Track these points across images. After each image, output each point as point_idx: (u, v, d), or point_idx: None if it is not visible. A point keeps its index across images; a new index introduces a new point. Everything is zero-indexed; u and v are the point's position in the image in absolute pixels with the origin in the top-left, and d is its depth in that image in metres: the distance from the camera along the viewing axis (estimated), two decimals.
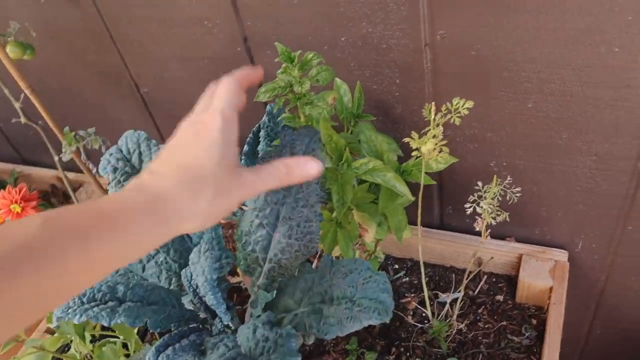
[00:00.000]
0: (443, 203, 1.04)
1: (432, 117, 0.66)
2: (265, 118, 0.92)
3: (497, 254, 1.02)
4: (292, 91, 0.77)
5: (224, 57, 1.00)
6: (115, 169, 0.71)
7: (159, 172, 0.52)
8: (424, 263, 1.10)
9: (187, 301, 0.76)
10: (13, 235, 0.41)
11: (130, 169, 0.71)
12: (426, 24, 0.79)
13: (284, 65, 0.74)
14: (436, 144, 0.67)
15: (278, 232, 0.71)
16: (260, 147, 0.94)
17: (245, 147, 0.97)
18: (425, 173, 0.77)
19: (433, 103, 0.65)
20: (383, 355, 0.99)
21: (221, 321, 0.74)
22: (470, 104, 0.63)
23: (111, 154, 0.75)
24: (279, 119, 0.90)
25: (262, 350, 0.62)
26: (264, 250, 0.73)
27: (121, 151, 0.72)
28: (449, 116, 0.64)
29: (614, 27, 0.70)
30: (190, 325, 0.74)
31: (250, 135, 0.97)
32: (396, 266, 1.12)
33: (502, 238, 1.03)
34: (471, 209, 0.71)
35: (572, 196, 0.92)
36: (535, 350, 0.94)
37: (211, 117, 0.57)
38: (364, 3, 0.80)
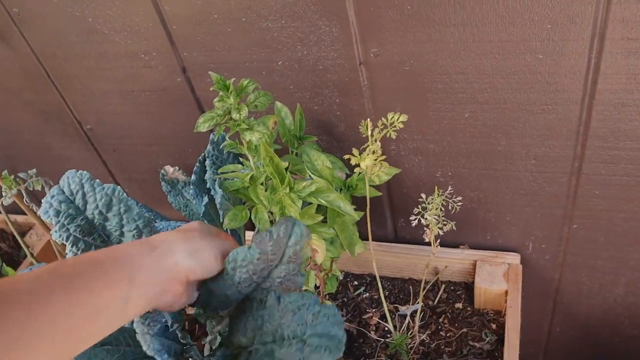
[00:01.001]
0: (395, 216, 1.05)
1: (369, 133, 0.67)
2: (209, 147, 0.92)
3: (452, 262, 1.04)
4: (231, 118, 0.76)
5: (165, 87, 0.99)
6: (58, 212, 0.69)
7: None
8: (383, 277, 1.11)
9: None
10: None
11: (75, 210, 0.69)
12: (358, 44, 0.80)
13: (220, 93, 0.74)
14: (376, 159, 0.68)
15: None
16: (207, 176, 0.94)
17: (193, 177, 0.97)
18: (371, 186, 0.78)
19: (369, 120, 0.65)
20: None
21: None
22: (404, 117, 0.64)
23: (53, 196, 0.73)
24: (221, 146, 0.90)
25: None
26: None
27: (63, 192, 0.71)
28: (385, 131, 0.65)
29: (536, 35, 0.72)
30: None
31: (197, 164, 0.96)
32: (355, 282, 1.12)
33: (456, 246, 1.04)
34: (416, 221, 0.72)
35: (518, 199, 0.94)
36: (496, 354, 0.95)
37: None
38: (296, 27, 0.81)
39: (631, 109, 0.77)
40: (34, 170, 0.95)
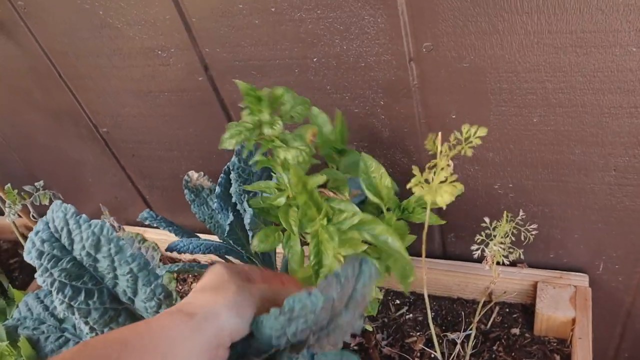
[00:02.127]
0: (444, 230, 0.93)
1: (439, 150, 0.54)
2: (234, 159, 0.81)
3: (509, 282, 0.91)
4: (261, 133, 0.64)
5: (185, 88, 0.89)
6: (40, 254, 0.57)
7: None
8: (429, 296, 0.99)
9: None
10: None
11: (60, 251, 0.58)
12: (409, 36, 0.68)
13: (250, 105, 0.62)
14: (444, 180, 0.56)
15: None
16: (232, 190, 0.83)
17: (217, 189, 0.86)
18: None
19: (440, 133, 0.53)
20: None
21: None
22: (484, 131, 0.52)
23: (37, 232, 0.61)
24: (249, 162, 0.79)
25: None
26: None
27: (49, 227, 0.59)
28: (460, 147, 0.53)
29: (630, 24, 0.59)
30: None
31: (222, 175, 0.85)
32: (397, 301, 1.01)
33: (514, 265, 0.91)
34: (479, 251, 0.60)
35: (590, 215, 0.81)
36: None
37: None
38: (334, 18, 0.69)
39: None
40: (41, 183, 0.85)
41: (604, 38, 0.61)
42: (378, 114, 0.78)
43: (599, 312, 0.97)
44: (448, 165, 0.50)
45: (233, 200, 0.82)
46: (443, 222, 0.62)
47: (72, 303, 0.58)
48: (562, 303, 0.86)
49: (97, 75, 0.94)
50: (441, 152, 0.50)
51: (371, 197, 0.65)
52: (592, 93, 0.67)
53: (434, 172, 0.50)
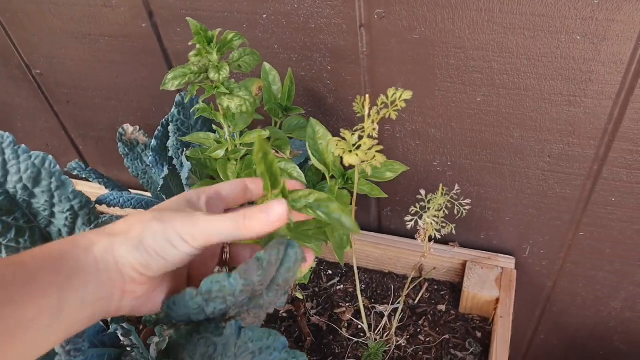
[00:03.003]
0: (381, 204, 0.93)
1: (366, 112, 0.54)
2: (174, 110, 0.78)
3: (439, 260, 0.93)
4: (207, 78, 0.62)
5: (127, 34, 0.84)
6: None
7: None
8: (360, 269, 1.00)
9: None
10: None
11: None
12: (361, 1, 0.67)
13: (198, 46, 0.60)
14: (369, 148, 0.55)
15: None
16: (169, 143, 0.80)
17: (153, 142, 0.83)
18: (371, 181, 0.66)
19: (367, 96, 0.52)
20: None
21: None
22: (408, 94, 0.51)
23: None
24: (191, 110, 0.76)
25: None
26: None
27: None
28: (384, 111, 0.52)
29: (577, 12, 0.60)
30: None
31: (159, 128, 0.82)
32: (329, 271, 1.01)
33: (445, 243, 0.93)
34: (412, 222, 0.60)
35: (522, 199, 0.83)
36: None
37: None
38: None
39: None
40: None
41: (552, 23, 0.62)
42: (324, 79, 0.77)
43: (522, 294, 1.01)
44: (374, 129, 0.49)
45: (170, 154, 0.79)
46: (385, 195, 0.61)
47: (0, 240, 0.55)
48: (488, 283, 0.88)
49: (33, 11, 0.88)
50: (369, 115, 0.50)
51: (316, 163, 0.64)
52: (535, 77, 0.67)
53: (358, 135, 0.50)
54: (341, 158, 0.54)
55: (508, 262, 0.91)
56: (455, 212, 0.61)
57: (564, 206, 0.81)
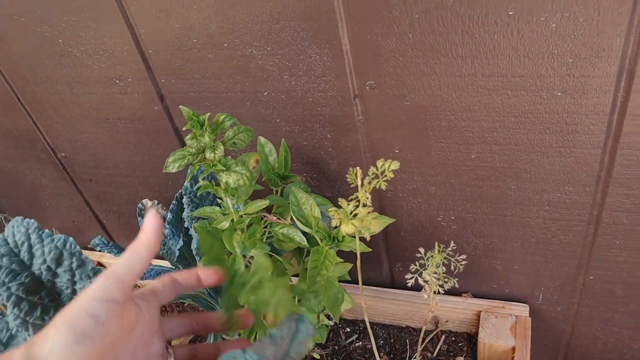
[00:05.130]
0: (391, 260, 0.96)
1: (359, 182, 0.58)
2: (186, 183, 0.83)
3: (454, 312, 0.94)
4: (205, 158, 0.67)
5: (142, 116, 0.91)
6: None
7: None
8: (377, 324, 1.02)
9: None
10: None
11: (19, 265, 0.59)
12: (353, 74, 0.72)
13: (193, 130, 0.65)
14: (368, 212, 0.59)
15: None
16: (184, 214, 0.85)
17: (169, 215, 0.88)
18: (362, 239, 0.69)
19: (358, 168, 0.56)
20: None
21: None
22: (396, 165, 0.55)
23: None
24: (194, 188, 0.81)
25: None
26: None
27: (7, 243, 0.61)
28: (376, 182, 0.56)
29: (554, 70, 0.63)
30: None
31: (174, 201, 0.87)
32: (348, 329, 1.03)
33: (459, 294, 0.95)
34: (412, 280, 0.63)
35: (528, 247, 0.84)
36: None
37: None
38: (283, 55, 0.73)
39: None
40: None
41: (532, 82, 0.66)
42: (325, 147, 0.81)
43: (542, 342, 1.01)
44: (367, 197, 0.53)
45: (185, 225, 0.84)
46: (369, 249, 0.65)
47: (27, 318, 0.59)
48: (503, 332, 0.89)
49: (56, 101, 0.95)
50: (362, 185, 0.54)
51: (301, 226, 0.68)
52: (524, 132, 0.71)
53: (354, 205, 0.53)
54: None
55: (522, 310, 0.91)
56: (453, 267, 0.64)
57: (569, 252, 0.83)
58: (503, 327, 0.90)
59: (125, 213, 1.12)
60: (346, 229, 0.56)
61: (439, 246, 0.62)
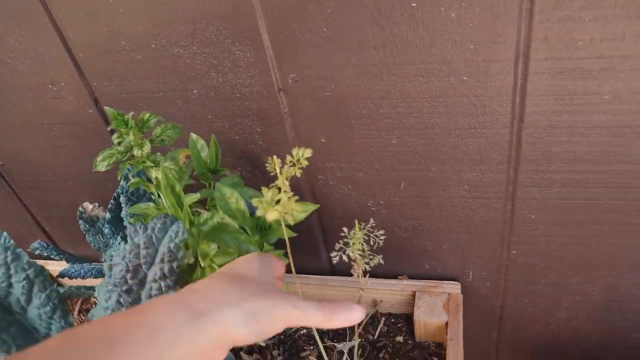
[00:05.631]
0: (328, 248, 1.00)
1: (278, 171, 0.61)
2: (122, 182, 0.85)
3: (391, 294, 0.99)
4: (133, 156, 0.70)
5: (77, 120, 0.92)
6: None
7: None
8: None
9: None
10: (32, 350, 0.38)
11: None
12: (275, 69, 0.75)
13: (119, 129, 0.68)
14: (289, 197, 0.63)
15: None
16: (123, 214, 0.87)
17: (108, 215, 0.90)
18: (288, 227, 0.72)
19: (275, 157, 0.60)
20: None
21: None
22: (308, 152, 0.59)
23: None
24: (127, 184, 0.83)
25: None
26: None
27: None
28: (291, 170, 0.59)
29: (458, 56, 0.69)
30: None
31: (112, 201, 0.89)
32: None
33: (395, 277, 0.99)
34: (337, 257, 0.67)
35: (454, 227, 0.90)
36: None
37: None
38: (209, 53, 0.76)
39: (561, 130, 0.74)
40: None
41: (440, 68, 0.71)
42: (256, 140, 0.85)
43: (476, 318, 1.06)
44: (285, 184, 0.57)
45: (125, 223, 0.86)
46: (294, 234, 0.69)
47: None
48: (437, 309, 0.94)
49: None
50: (280, 173, 0.57)
51: (229, 220, 0.71)
52: (438, 116, 0.76)
53: (274, 192, 0.57)
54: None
55: (454, 288, 0.97)
56: (372, 242, 0.68)
57: (491, 228, 0.88)
58: (436, 304, 0.95)
59: (67, 218, 1.13)
60: (270, 215, 0.60)
61: (359, 224, 0.66)
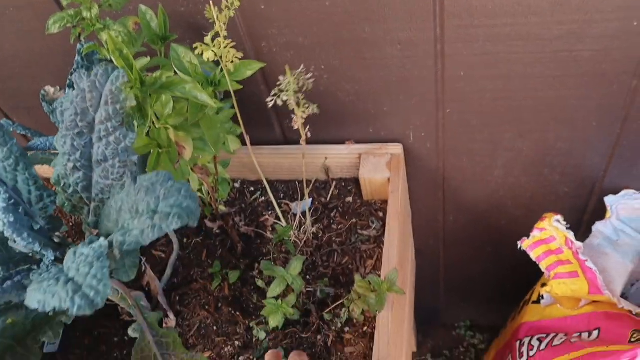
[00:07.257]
0: (280, 118, 1.07)
1: (215, 16, 0.67)
2: (77, 57, 0.91)
3: (339, 157, 1.07)
4: (83, 18, 0.75)
5: (32, 1, 0.96)
6: None
7: None
8: (278, 181, 1.14)
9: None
10: None
11: None
12: None
13: None
14: (225, 46, 0.69)
15: (95, 173, 0.71)
16: None
17: (67, 90, 0.95)
18: (237, 81, 0.79)
19: (212, 2, 0.66)
20: (247, 272, 1.02)
21: (49, 257, 0.74)
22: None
23: None
24: (81, 51, 0.89)
25: (78, 265, 0.63)
26: (86, 190, 0.73)
27: None
28: (226, 12, 0.65)
29: None
30: (20, 268, 0.74)
31: (69, 77, 0.95)
32: (252, 188, 1.15)
33: (342, 142, 1.07)
34: (272, 102, 0.74)
35: (391, 88, 0.97)
36: (383, 238, 1.00)
37: None
38: None
39: None
40: None
41: None
42: (200, 11, 0.89)
43: (422, 180, 1.15)
44: (222, 28, 0.63)
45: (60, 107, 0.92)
46: (240, 87, 0.76)
47: None
48: (380, 168, 1.03)
49: None
50: (217, 18, 0.63)
51: (184, 77, 0.78)
52: None
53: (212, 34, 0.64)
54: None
55: (396, 149, 1.05)
56: (303, 87, 0.75)
57: (425, 87, 0.95)
58: (380, 164, 1.04)
59: (34, 107, 1.18)
60: (207, 54, 0.66)
61: (288, 69, 0.73)
